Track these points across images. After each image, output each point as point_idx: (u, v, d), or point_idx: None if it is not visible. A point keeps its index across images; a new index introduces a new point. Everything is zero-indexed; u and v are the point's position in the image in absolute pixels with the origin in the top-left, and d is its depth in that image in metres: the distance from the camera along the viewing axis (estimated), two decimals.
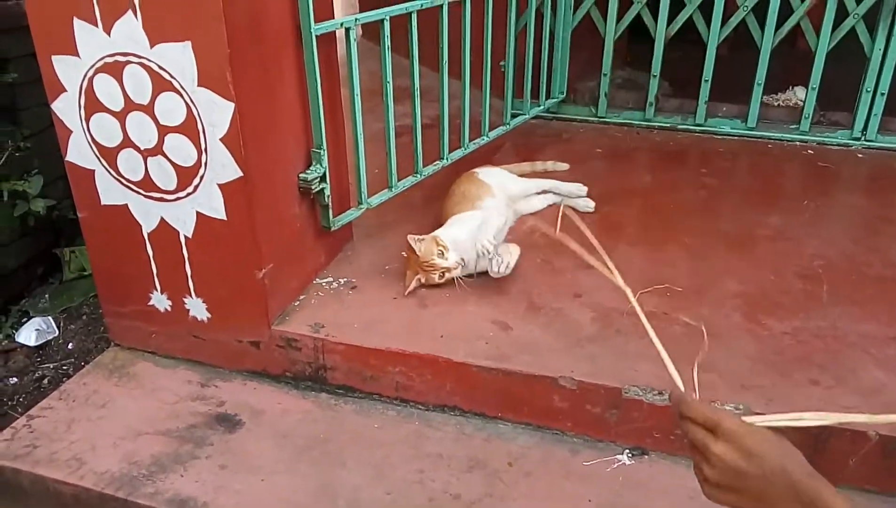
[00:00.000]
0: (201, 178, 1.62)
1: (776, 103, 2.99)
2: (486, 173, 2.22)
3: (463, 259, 1.84)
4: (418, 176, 2.19)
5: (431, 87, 2.23)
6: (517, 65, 2.63)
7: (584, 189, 2.33)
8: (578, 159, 2.67)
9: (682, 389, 0.90)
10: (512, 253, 1.89)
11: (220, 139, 1.55)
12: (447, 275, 1.83)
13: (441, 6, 2.08)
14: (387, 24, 1.90)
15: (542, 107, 2.88)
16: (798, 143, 2.83)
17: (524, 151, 2.70)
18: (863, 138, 2.75)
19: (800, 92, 2.98)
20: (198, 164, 1.60)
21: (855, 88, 2.72)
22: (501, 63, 2.59)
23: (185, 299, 1.78)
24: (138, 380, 1.81)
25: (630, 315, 1.82)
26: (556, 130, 2.97)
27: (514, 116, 2.70)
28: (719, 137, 2.90)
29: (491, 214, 2.02)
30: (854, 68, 2.70)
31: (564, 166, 2.54)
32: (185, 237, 1.70)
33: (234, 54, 1.47)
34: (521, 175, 2.39)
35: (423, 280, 1.85)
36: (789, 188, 2.54)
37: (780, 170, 2.68)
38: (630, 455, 1.58)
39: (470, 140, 2.41)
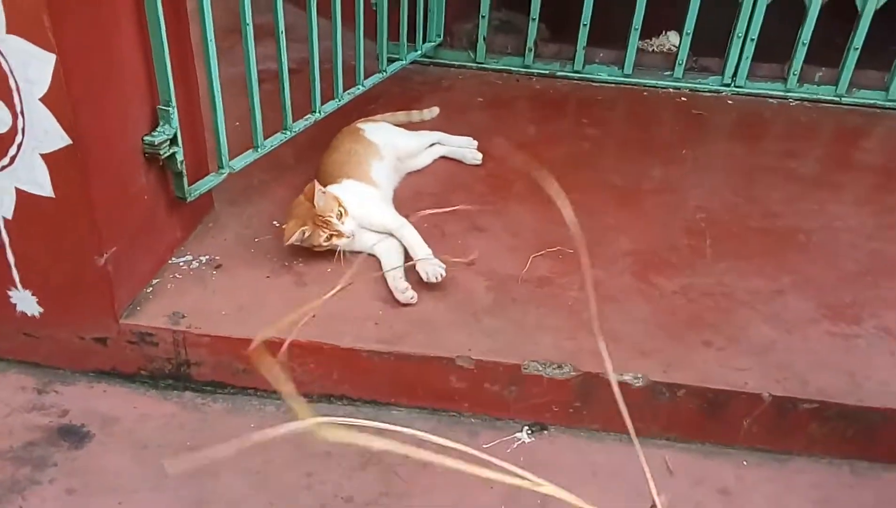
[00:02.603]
0: (19, 147, 1.32)
1: (651, 49, 2.96)
2: (373, 130, 2.03)
3: (353, 233, 1.65)
4: (288, 133, 1.95)
5: (295, 25, 1.98)
6: (391, 3, 2.41)
7: (473, 142, 2.20)
8: (460, 109, 2.52)
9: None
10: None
11: (41, 99, 1.26)
12: (332, 241, 1.64)
13: None
14: None
15: (419, 52, 2.69)
16: (672, 89, 2.82)
17: (402, 100, 2.50)
18: (732, 84, 2.78)
19: (672, 37, 2.97)
20: (13, 130, 1.31)
21: (725, 33, 2.73)
22: (373, 0, 2.37)
23: (10, 292, 1.49)
24: None
25: (525, 282, 1.76)
26: (435, 77, 2.78)
27: (390, 60, 2.50)
28: (597, 84, 2.83)
29: (385, 197, 1.87)
30: (724, 14, 2.71)
31: (435, 111, 2.40)
32: (4, 219, 1.40)
33: None
34: (397, 125, 2.22)
35: (306, 234, 1.63)
36: (668, 137, 2.53)
37: (657, 118, 2.67)
38: (529, 431, 1.51)
39: (344, 89, 2.19)
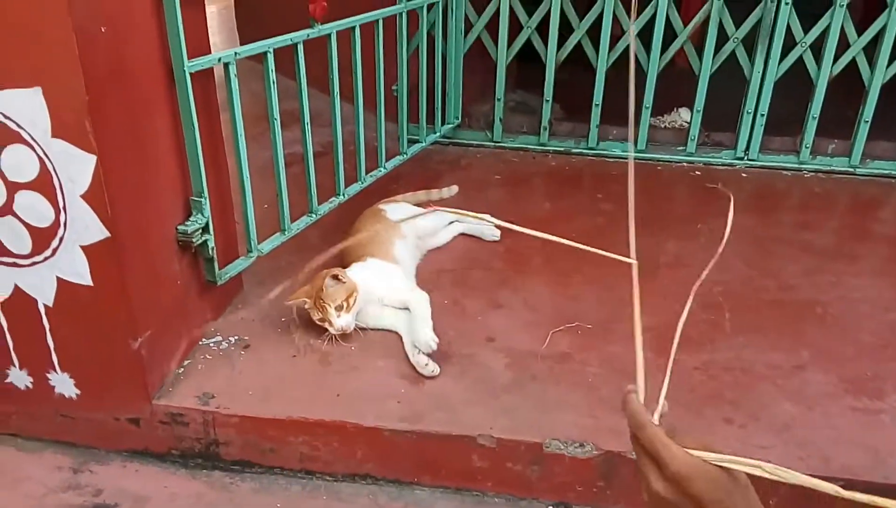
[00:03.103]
0: (61, 240, 1.41)
1: (663, 125, 3.05)
2: (394, 210, 2.12)
3: (344, 329, 1.70)
4: (313, 216, 2.04)
5: (322, 110, 2.09)
6: (410, 89, 2.54)
7: (491, 220, 2.27)
8: (478, 187, 2.61)
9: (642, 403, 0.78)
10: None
11: (82, 196, 1.35)
12: (324, 324, 1.70)
13: (329, 35, 1.95)
14: (270, 58, 1.75)
15: (438, 133, 2.80)
16: (685, 164, 2.89)
17: (423, 180, 2.60)
18: (746, 158, 2.85)
19: (684, 113, 3.06)
20: (56, 224, 1.39)
21: (736, 109, 2.81)
22: (394, 87, 2.49)
23: (49, 375, 1.55)
24: None
25: (545, 358, 1.78)
26: (454, 157, 2.89)
27: (410, 142, 2.61)
28: (611, 159, 2.92)
29: (408, 274, 1.95)
30: (735, 90, 2.79)
31: (454, 189, 2.48)
32: (45, 306, 1.48)
33: (94, 101, 1.28)
34: (417, 204, 2.30)
35: (307, 305, 1.71)
36: (682, 211, 2.58)
37: (671, 192, 2.73)
38: None
39: (367, 172, 2.29)
